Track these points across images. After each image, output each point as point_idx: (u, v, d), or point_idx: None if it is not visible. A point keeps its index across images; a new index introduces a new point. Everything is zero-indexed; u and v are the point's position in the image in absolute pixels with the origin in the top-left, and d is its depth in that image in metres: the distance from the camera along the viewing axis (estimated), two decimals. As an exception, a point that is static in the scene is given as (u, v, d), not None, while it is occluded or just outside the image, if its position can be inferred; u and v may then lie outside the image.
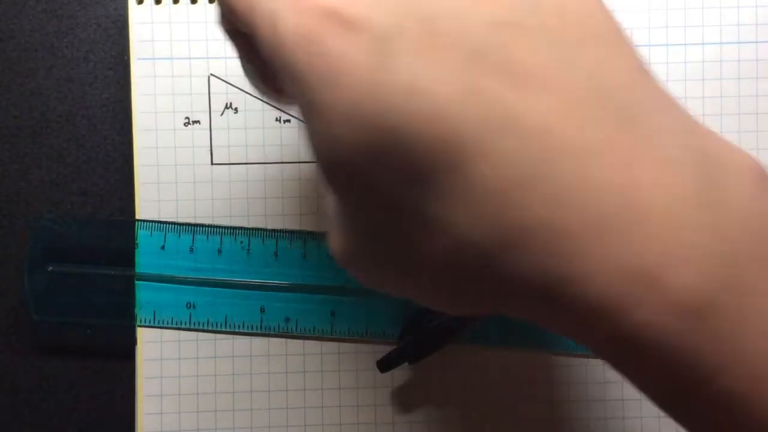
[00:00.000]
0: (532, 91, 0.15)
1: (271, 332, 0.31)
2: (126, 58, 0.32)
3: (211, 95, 0.32)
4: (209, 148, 0.32)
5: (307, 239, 0.31)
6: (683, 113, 0.16)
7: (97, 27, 0.32)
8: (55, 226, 0.31)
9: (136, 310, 0.31)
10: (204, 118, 0.32)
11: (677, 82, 0.32)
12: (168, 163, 0.32)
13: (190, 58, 0.32)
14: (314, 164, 0.21)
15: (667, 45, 0.32)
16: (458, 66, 0.15)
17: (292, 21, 0.16)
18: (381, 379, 0.31)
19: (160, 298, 0.31)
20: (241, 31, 0.19)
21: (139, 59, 0.32)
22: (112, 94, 0.32)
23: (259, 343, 0.31)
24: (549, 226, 0.15)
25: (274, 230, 0.32)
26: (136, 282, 0.31)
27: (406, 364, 0.30)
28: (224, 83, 0.32)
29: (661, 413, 0.17)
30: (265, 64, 0.18)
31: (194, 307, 0.31)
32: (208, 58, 0.32)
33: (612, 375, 0.32)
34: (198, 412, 0.31)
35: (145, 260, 0.31)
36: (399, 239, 0.17)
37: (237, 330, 0.31)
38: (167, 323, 0.31)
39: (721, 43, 0.32)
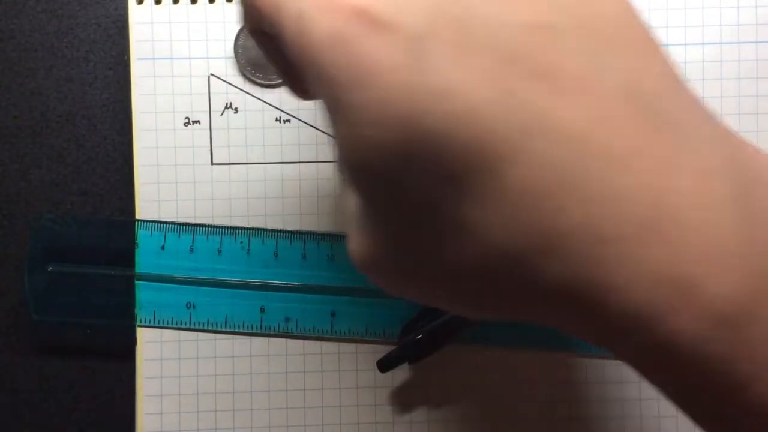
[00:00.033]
0: (569, 96, 0.15)
1: (271, 332, 0.31)
2: (126, 58, 0.32)
3: (211, 95, 0.32)
4: (209, 148, 0.32)
5: (307, 239, 0.31)
6: (717, 122, 0.16)
7: (97, 27, 0.32)
8: (55, 226, 0.31)
9: (136, 310, 0.31)
10: (204, 118, 0.32)
11: (677, 82, 0.32)
12: (168, 163, 0.32)
13: (190, 58, 0.32)
14: (335, 164, 0.21)
15: (667, 45, 0.32)
16: (493, 68, 0.15)
17: (321, 21, 0.16)
18: (381, 379, 0.31)
19: (160, 298, 0.31)
20: (265, 31, 0.19)
21: (139, 59, 0.32)
22: (112, 94, 0.32)
23: (259, 343, 0.31)
24: (585, 232, 0.15)
25: (274, 230, 0.32)
26: (136, 282, 0.31)
27: (406, 364, 0.30)
28: (224, 83, 0.32)
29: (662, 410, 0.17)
30: (290, 64, 0.18)
31: (194, 307, 0.31)
32: (208, 58, 0.32)
33: (612, 375, 0.32)
34: (198, 412, 0.31)
35: (145, 260, 0.31)
36: (427, 243, 0.17)
37: (237, 330, 0.31)
38: (167, 323, 0.31)
39: (721, 43, 0.32)
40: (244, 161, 0.32)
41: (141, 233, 0.31)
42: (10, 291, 0.32)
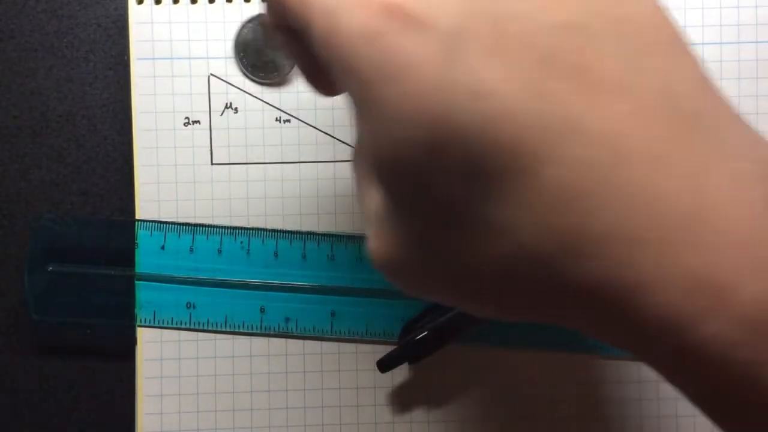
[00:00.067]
0: (603, 97, 0.15)
1: (271, 332, 0.31)
2: (126, 58, 0.32)
3: (211, 95, 0.32)
4: (209, 148, 0.32)
5: (307, 239, 0.31)
6: (748, 126, 0.16)
7: (97, 27, 0.32)
8: (55, 226, 0.31)
9: (136, 310, 0.31)
10: (204, 118, 0.32)
11: (677, 82, 0.32)
12: (168, 163, 0.32)
13: (190, 58, 0.32)
14: (351, 162, 0.21)
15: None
16: (528, 68, 0.15)
17: (352, 16, 0.16)
18: (381, 379, 0.31)
19: (160, 298, 0.31)
20: (288, 27, 0.19)
21: (139, 59, 0.32)
22: (112, 94, 0.32)
23: (259, 343, 0.31)
24: (619, 234, 0.15)
25: (274, 230, 0.32)
26: (136, 282, 0.31)
27: (406, 364, 0.30)
28: (224, 83, 0.32)
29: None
30: (314, 60, 0.18)
31: (194, 307, 0.31)
32: (208, 58, 0.32)
33: (613, 374, 0.32)
34: (198, 412, 0.31)
35: (145, 260, 0.31)
36: (453, 243, 0.17)
37: (237, 330, 0.31)
38: (167, 323, 0.31)
39: (721, 43, 0.32)
40: (244, 161, 0.32)
41: (141, 233, 0.31)
42: (10, 291, 0.32)
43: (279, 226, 0.32)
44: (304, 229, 0.32)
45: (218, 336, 0.31)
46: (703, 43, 0.32)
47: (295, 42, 0.20)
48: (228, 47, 0.32)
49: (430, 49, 0.15)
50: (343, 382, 0.32)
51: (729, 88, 0.32)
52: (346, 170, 0.32)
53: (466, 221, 0.16)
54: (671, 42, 0.16)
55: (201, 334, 0.31)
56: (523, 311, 0.17)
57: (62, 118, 0.32)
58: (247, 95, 0.32)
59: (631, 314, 0.15)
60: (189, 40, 0.32)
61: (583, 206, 0.15)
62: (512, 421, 0.32)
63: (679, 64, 0.16)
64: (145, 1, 0.32)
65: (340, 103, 0.32)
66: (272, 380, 0.32)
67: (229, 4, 0.32)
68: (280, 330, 0.31)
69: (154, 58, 0.32)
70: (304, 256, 0.31)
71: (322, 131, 0.32)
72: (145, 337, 0.31)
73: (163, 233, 0.31)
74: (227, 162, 0.32)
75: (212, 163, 0.32)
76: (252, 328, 0.31)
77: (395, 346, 0.30)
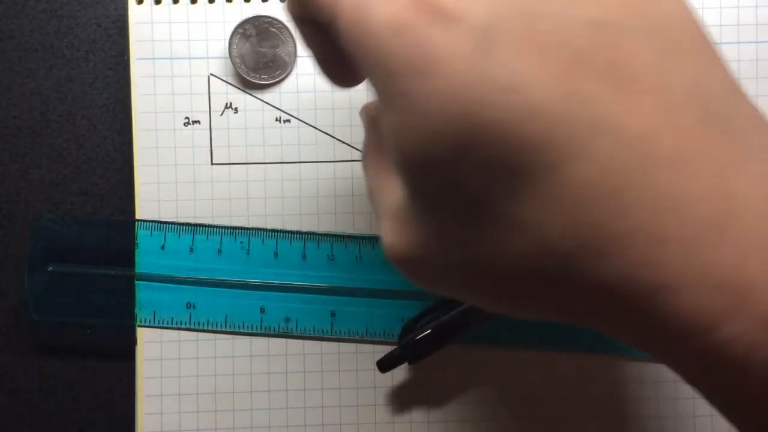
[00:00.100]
0: (634, 96, 0.15)
1: (271, 332, 0.31)
2: (126, 58, 0.32)
3: (211, 95, 0.32)
4: (209, 148, 0.32)
5: (307, 239, 0.31)
6: None
7: (97, 27, 0.32)
8: (55, 226, 0.31)
9: (136, 310, 0.31)
10: (204, 118, 0.32)
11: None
12: (168, 163, 0.32)
13: (190, 58, 0.32)
14: (362, 154, 0.21)
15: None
16: (560, 65, 0.15)
17: (383, 10, 0.16)
18: (381, 379, 0.31)
19: (160, 298, 0.31)
20: (312, 18, 0.19)
21: (139, 59, 0.32)
22: (112, 94, 0.32)
23: (259, 343, 0.31)
24: (646, 233, 0.15)
25: (274, 230, 0.32)
26: (136, 282, 0.31)
27: (406, 364, 0.30)
28: (224, 83, 0.32)
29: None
30: (335, 52, 0.17)
31: (194, 307, 0.31)
32: (208, 58, 0.32)
33: (614, 373, 0.32)
34: (198, 412, 0.31)
35: (145, 260, 0.31)
36: (476, 238, 0.16)
37: (237, 330, 0.31)
38: (167, 323, 0.31)
39: (721, 43, 0.32)
40: (244, 161, 0.32)
41: (141, 233, 0.31)
42: (10, 291, 0.32)
43: (279, 226, 0.32)
44: (304, 229, 0.32)
45: (218, 336, 0.31)
46: (703, 43, 0.32)
47: (317, 33, 0.20)
48: (227, 47, 0.32)
49: (460, 43, 0.15)
50: (343, 382, 0.32)
51: (729, 88, 0.32)
52: (346, 170, 0.32)
53: (491, 216, 0.16)
54: (701, 43, 0.16)
55: (201, 334, 0.31)
56: (541, 308, 0.17)
57: (62, 118, 0.32)
58: (247, 95, 0.32)
59: (652, 314, 0.15)
60: (189, 40, 0.32)
61: (609, 204, 0.15)
62: (512, 421, 0.32)
63: (709, 65, 0.16)
64: (145, 1, 0.32)
65: (340, 103, 0.32)
66: (272, 380, 0.32)
67: (229, 4, 0.32)
68: (280, 330, 0.31)
69: (154, 58, 0.32)
70: (304, 256, 0.31)
71: (322, 131, 0.32)
72: (145, 337, 0.31)
73: (163, 233, 0.31)
74: (227, 162, 0.32)
75: (212, 163, 0.32)
76: (252, 328, 0.31)
77: (395, 346, 0.30)
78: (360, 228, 0.32)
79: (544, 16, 0.15)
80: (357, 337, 0.31)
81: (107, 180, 0.32)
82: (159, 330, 0.31)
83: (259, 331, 0.31)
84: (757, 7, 0.32)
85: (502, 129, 0.15)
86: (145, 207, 0.31)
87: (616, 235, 0.15)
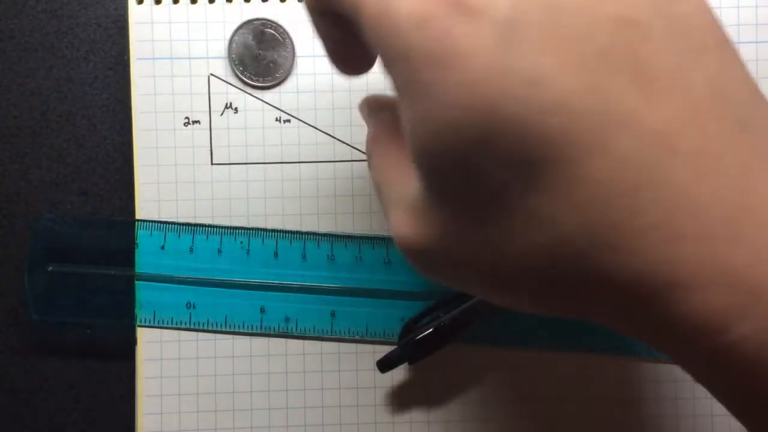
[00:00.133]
0: (657, 93, 0.15)
1: (271, 332, 0.31)
2: (126, 58, 0.32)
3: (211, 95, 0.32)
4: (209, 148, 0.32)
5: (307, 239, 0.31)
6: None
7: (97, 27, 0.32)
8: (55, 226, 0.31)
9: (136, 310, 0.31)
10: (204, 118, 0.32)
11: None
12: (168, 163, 0.32)
13: (190, 58, 0.32)
14: (375, 147, 0.21)
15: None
16: (583, 60, 0.15)
17: (407, 3, 0.16)
18: (381, 379, 0.31)
19: (160, 298, 0.31)
20: (332, 10, 0.19)
21: (139, 59, 0.32)
22: (112, 94, 0.32)
23: (259, 343, 0.31)
24: (663, 230, 0.15)
25: (274, 230, 0.32)
26: (136, 282, 0.31)
27: (406, 364, 0.30)
28: (224, 83, 0.32)
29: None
30: (349, 44, 0.18)
31: (194, 307, 0.31)
32: (208, 58, 0.32)
33: (615, 373, 0.32)
34: (198, 412, 0.31)
35: (145, 260, 0.31)
36: (494, 231, 0.17)
37: (237, 330, 0.31)
38: (167, 323, 0.31)
39: (721, 43, 0.32)
40: (244, 161, 0.32)
41: (141, 233, 0.31)
42: (10, 291, 0.32)
43: (279, 226, 0.32)
44: (304, 229, 0.32)
45: (218, 336, 0.31)
46: (703, 43, 0.32)
47: (333, 27, 0.20)
48: (227, 47, 0.32)
49: (483, 36, 0.15)
50: (343, 382, 0.32)
51: (729, 88, 0.32)
52: (346, 170, 0.32)
53: (509, 210, 0.16)
54: (722, 44, 0.16)
55: (201, 334, 0.31)
56: (557, 306, 0.17)
57: (62, 118, 0.32)
58: (247, 95, 0.32)
59: (665, 311, 0.15)
60: (189, 40, 0.32)
61: (627, 201, 0.15)
62: (512, 421, 0.32)
63: (730, 65, 0.16)
64: (145, 1, 0.32)
65: (340, 103, 0.32)
66: (272, 380, 0.32)
67: (229, 4, 0.32)
68: (280, 330, 0.31)
69: (154, 58, 0.32)
70: (304, 256, 0.31)
71: (322, 131, 0.32)
72: (145, 337, 0.31)
73: (163, 233, 0.31)
74: (227, 162, 0.32)
75: (212, 163, 0.32)
76: (252, 328, 0.31)
77: (395, 346, 0.30)
78: (360, 228, 0.32)
79: (568, 10, 0.15)
80: (357, 337, 0.31)
81: (107, 180, 0.32)
82: (159, 330, 0.31)
83: (259, 331, 0.31)
84: (757, 7, 0.32)
85: (524, 122, 0.15)
86: (145, 207, 0.31)
87: (632, 232, 0.15)
